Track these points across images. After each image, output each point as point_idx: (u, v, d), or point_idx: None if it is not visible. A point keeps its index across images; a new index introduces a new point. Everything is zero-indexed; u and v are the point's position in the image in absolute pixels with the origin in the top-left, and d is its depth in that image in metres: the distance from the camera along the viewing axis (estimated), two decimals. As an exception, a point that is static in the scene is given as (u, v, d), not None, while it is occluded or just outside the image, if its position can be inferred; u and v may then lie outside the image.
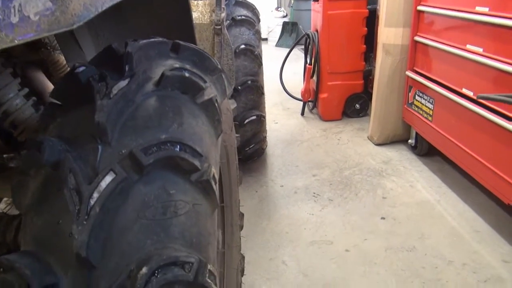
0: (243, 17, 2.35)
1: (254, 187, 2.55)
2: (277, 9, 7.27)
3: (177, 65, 0.86)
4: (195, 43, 1.40)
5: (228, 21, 2.30)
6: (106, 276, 0.64)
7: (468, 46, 2.06)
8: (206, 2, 2.06)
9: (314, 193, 2.43)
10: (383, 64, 2.84)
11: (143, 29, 1.38)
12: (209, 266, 0.69)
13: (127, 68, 0.83)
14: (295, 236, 2.06)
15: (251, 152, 2.53)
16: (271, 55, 5.83)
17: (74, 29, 1.31)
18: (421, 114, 2.57)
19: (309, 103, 3.73)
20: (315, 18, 3.50)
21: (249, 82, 2.29)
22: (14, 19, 0.57)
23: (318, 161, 2.83)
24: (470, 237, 2.00)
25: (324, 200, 2.36)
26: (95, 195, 0.65)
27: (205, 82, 0.87)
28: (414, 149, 2.82)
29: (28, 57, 1.49)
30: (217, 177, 0.79)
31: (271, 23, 7.11)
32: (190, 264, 0.67)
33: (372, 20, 3.32)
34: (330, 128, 3.38)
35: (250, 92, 2.32)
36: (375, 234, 2.04)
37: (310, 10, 3.88)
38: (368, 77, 3.52)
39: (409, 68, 2.69)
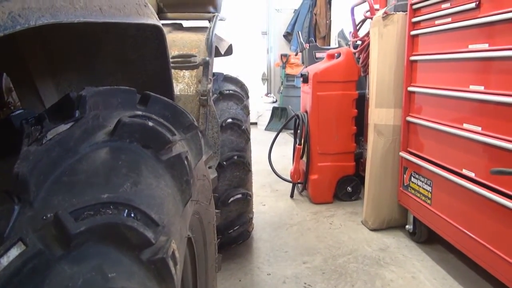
0: (231, 91, 2.28)
1: (237, 275, 2.26)
2: (267, 94, 7.45)
3: (139, 113, 0.70)
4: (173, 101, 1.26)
5: (216, 95, 2.22)
6: None
7: (465, 125, 1.97)
8: (192, 73, 1.99)
9: (305, 283, 2.15)
10: (375, 145, 2.74)
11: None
12: None
13: (76, 114, 0.67)
14: (283, 336, 1.75)
15: (235, 235, 2.29)
16: (261, 139, 5.79)
17: (38, 87, 1.16)
18: (419, 197, 2.40)
19: (299, 185, 3.57)
20: (304, 99, 3.48)
21: (235, 157, 2.14)
22: None
23: (309, 246, 2.58)
24: None
25: (317, 292, 2.08)
26: (-12, 278, 0.44)
27: (173, 134, 0.70)
28: (412, 235, 2.61)
29: (-14, 117, 1.34)
30: (179, 256, 0.58)
31: (260, 108, 7.22)
32: None
33: (361, 103, 3.31)
34: (321, 211, 3.17)
35: (236, 168, 2.15)
36: (377, 335, 1.74)
37: (298, 96, 3.91)
38: (359, 159, 3.41)
39: (402, 149, 2.59)
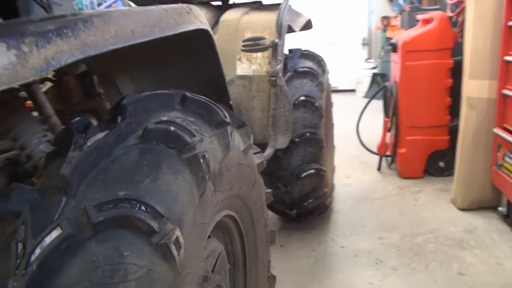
0: (306, 69, 2.31)
1: (311, 245, 2.38)
2: (367, 60, 7.15)
3: (164, 118, 0.83)
4: (227, 95, 1.39)
5: (290, 73, 2.28)
6: None
7: None
8: (264, 54, 2.08)
9: (377, 259, 2.18)
10: (468, 120, 2.55)
11: (180, 81, 1.42)
12: None
13: (118, 120, 0.83)
14: (346, 307, 1.84)
15: (311, 207, 2.39)
16: (357, 107, 5.62)
17: (116, 81, 1.36)
18: (512, 178, 2.20)
19: (388, 158, 3.48)
20: (394, 69, 3.33)
21: (308, 134, 2.20)
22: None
23: (388, 222, 2.56)
24: None
25: (387, 268, 2.09)
26: (37, 250, 0.62)
27: (193, 136, 0.82)
28: (506, 218, 2.41)
29: (85, 105, 1.62)
30: (183, 240, 0.71)
31: (360, 74, 6.98)
32: None
33: (459, 71, 3.04)
34: (408, 186, 3.08)
35: (309, 144, 2.21)
36: (443, 318, 1.73)
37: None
38: (455, 133, 3.17)
39: (497, 124, 2.36)
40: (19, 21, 0.82)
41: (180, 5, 1.08)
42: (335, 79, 7.65)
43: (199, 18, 1.13)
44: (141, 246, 0.67)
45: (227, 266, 1.21)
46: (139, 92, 1.35)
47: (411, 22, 4.35)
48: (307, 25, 2.68)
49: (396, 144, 3.24)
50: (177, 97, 0.97)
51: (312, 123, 2.24)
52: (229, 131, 0.97)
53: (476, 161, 2.53)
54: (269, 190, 1.39)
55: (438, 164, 3.18)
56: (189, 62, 1.33)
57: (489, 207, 2.57)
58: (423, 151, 3.16)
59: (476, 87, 2.49)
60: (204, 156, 0.82)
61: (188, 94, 0.97)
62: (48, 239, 0.63)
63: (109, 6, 1.52)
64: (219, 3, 2.56)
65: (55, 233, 0.64)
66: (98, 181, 0.72)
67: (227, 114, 1.00)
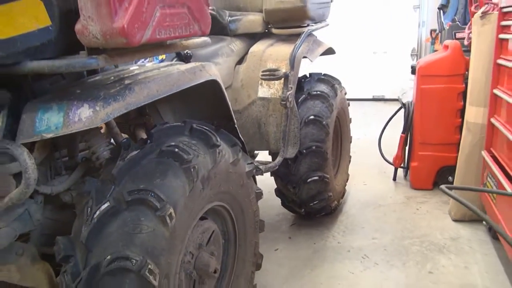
0: (318, 92, 2.77)
1: (314, 239, 2.85)
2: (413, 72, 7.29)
3: (173, 143, 1.39)
4: (233, 120, 1.92)
5: (304, 95, 2.76)
6: (95, 258, 1.19)
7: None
8: (281, 81, 2.58)
9: (365, 254, 2.61)
10: (464, 141, 2.87)
11: (202, 111, 1.98)
12: (150, 265, 1.17)
13: (148, 142, 1.40)
14: (328, 288, 2.31)
15: (317, 207, 2.86)
16: (399, 116, 5.89)
17: (158, 108, 1.98)
18: (491, 198, 2.52)
19: (404, 169, 3.82)
20: (414, 90, 3.66)
21: (314, 147, 2.67)
22: (76, 119, 1.19)
23: (385, 226, 2.96)
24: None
25: (370, 262, 2.52)
26: (97, 213, 1.21)
27: (189, 155, 1.37)
28: (489, 231, 2.72)
29: (138, 120, 2.23)
30: (175, 215, 1.26)
31: (405, 85, 7.16)
32: (136, 261, 1.16)
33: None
34: (416, 197, 3.42)
35: (314, 156, 2.68)
36: (402, 304, 2.14)
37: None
38: (466, 151, 3.46)
39: (485, 148, 2.67)
40: (96, 82, 1.41)
41: (196, 64, 1.64)
42: (381, 88, 7.89)
43: (209, 72, 1.67)
44: (150, 215, 1.23)
45: (221, 240, 1.76)
46: (175, 118, 1.94)
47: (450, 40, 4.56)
48: (328, 52, 3.13)
49: (409, 158, 3.59)
50: (187, 127, 1.52)
51: (318, 138, 2.70)
52: (217, 151, 1.51)
53: (469, 179, 2.85)
54: (259, 190, 1.91)
55: (447, 178, 3.48)
56: (207, 98, 1.89)
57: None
58: (433, 165, 3.47)
59: (473, 113, 2.80)
60: (194, 167, 1.37)
61: (194, 125, 1.52)
62: (103, 207, 1.21)
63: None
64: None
65: (106, 205, 1.22)
66: (131, 179, 1.29)
67: (219, 139, 1.54)
